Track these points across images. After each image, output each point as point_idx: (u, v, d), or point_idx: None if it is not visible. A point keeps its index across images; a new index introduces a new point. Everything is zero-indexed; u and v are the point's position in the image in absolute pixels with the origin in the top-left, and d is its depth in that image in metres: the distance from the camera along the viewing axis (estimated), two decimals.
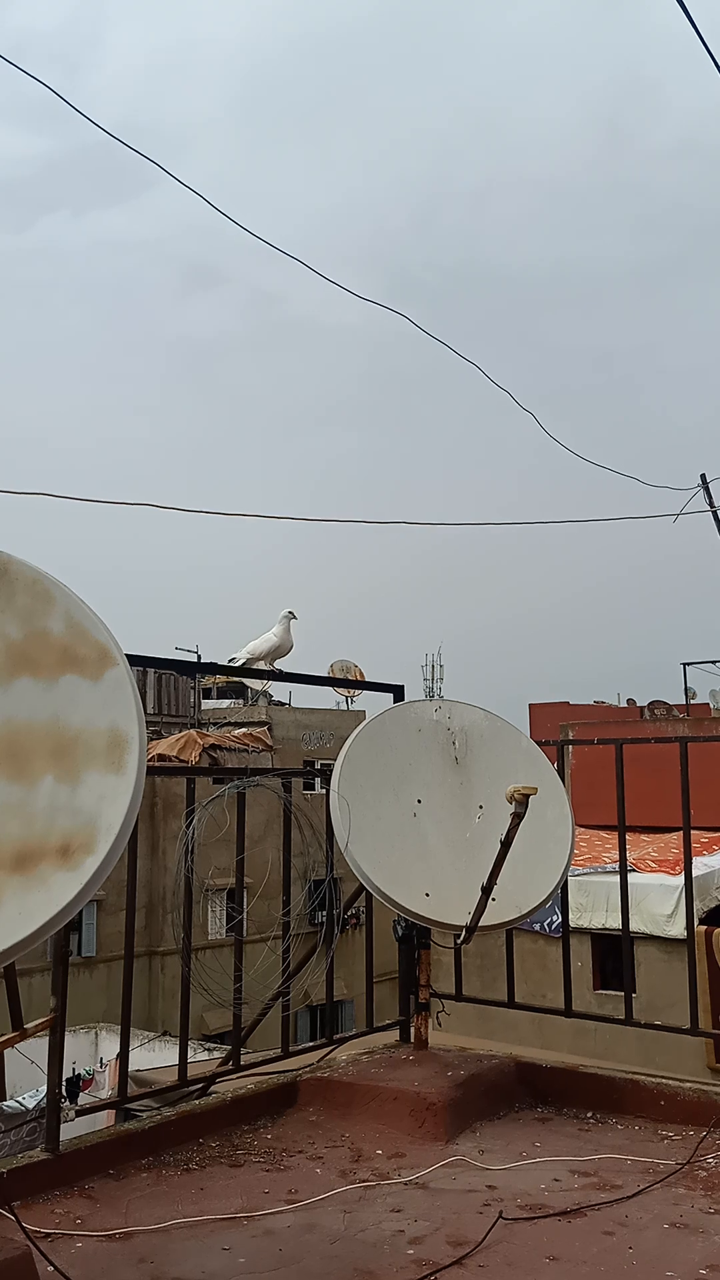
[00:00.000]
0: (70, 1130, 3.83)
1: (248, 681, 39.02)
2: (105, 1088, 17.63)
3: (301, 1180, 3.74)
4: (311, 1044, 4.97)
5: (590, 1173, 3.80)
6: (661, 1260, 3.11)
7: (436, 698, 5.21)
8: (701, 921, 11.46)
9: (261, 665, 7.73)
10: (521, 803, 4.03)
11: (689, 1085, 4.52)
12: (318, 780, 5.10)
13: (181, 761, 29.48)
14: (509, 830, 4.11)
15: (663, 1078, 4.65)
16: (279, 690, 39.12)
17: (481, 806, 4.75)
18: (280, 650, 7.84)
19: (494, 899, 4.33)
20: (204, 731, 33.98)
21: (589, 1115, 4.45)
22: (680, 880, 11.10)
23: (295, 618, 7.96)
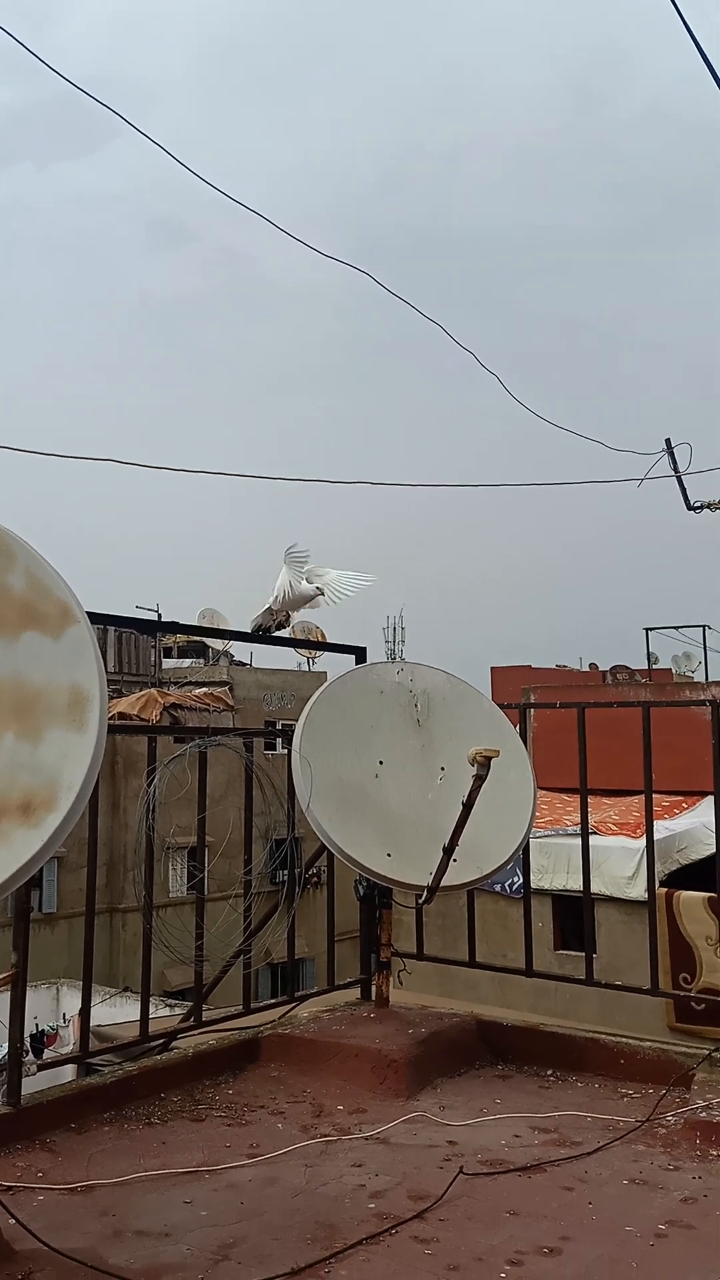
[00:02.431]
0: (32, 1085, 3.83)
1: (209, 641, 38.85)
2: (69, 1043, 17.69)
3: (263, 1135, 3.75)
4: (273, 1001, 4.99)
5: (550, 1129, 3.84)
6: (621, 1215, 3.15)
7: (398, 660, 5.20)
8: (662, 884, 11.61)
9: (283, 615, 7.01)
10: (484, 765, 4.04)
11: (648, 1044, 4.57)
12: (279, 741, 5.10)
13: (142, 720, 29.38)
14: (471, 792, 4.12)
15: (622, 1037, 4.70)
16: (240, 651, 39.03)
17: (443, 768, 4.75)
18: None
19: (455, 860, 4.34)
20: (165, 690, 33.87)
21: (549, 1073, 4.49)
22: (641, 843, 11.21)
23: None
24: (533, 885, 5.33)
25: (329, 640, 6.76)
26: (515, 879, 7.58)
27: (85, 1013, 4.27)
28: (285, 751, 4.64)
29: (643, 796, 5.04)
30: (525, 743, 5.15)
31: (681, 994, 10.73)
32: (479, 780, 4.08)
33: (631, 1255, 2.92)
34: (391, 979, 4.90)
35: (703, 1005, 9.67)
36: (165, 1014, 13.95)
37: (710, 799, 5.20)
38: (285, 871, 4.78)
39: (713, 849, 8.02)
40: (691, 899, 11.69)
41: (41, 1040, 19.26)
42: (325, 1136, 3.74)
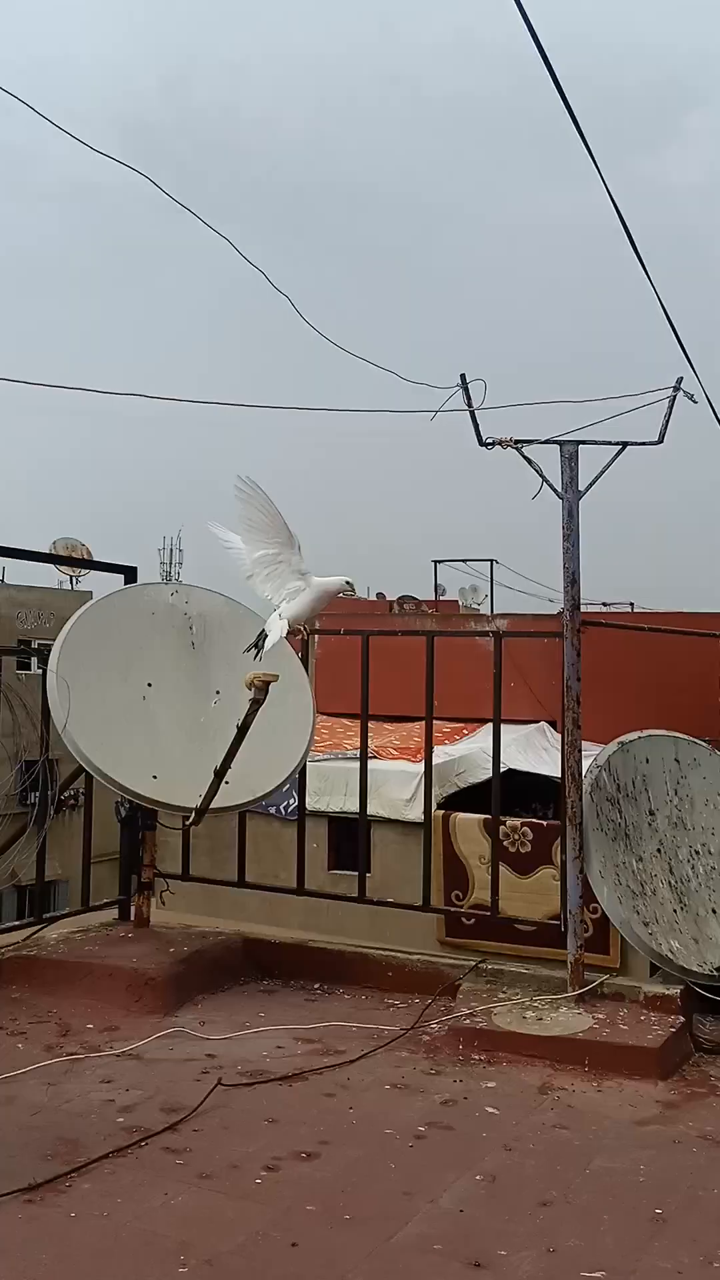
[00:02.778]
0: None
1: None
2: None
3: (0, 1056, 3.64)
4: (17, 923, 4.87)
5: (314, 1040, 3.86)
6: (381, 1119, 3.20)
7: (174, 582, 5.05)
8: (440, 806, 11.84)
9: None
10: (261, 689, 4.00)
11: (417, 957, 4.66)
12: (34, 660, 4.92)
13: None
14: (246, 716, 4.08)
15: (391, 950, 4.76)
16: None
17: (219, 692, 4.71)
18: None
19: (228, 782, 4.30)
20: None
21: (316, 987, 4.53)
22: (420, 767, 11.42)
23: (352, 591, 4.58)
24: (309, 807, 5.34)
25: (95, 559, 6.50)
26: (290, 801, 7.59)
27: None
28: (41, 671, 4.48)
29: (423, 723, 5.09)
30: (307, 668, 5.13)
31: (453, 910, 10.98)
32: (256, 704, 4.04)
33: (390, 1156, 2.96)
34: (154, 900, 4.86)
35: (473, 920, 9.93)
36: None
37: (490, 725, 5.29)
38: (37, 793, 4.65)
39: (490, 773, 8.22)
40: (467, 820, 11.97)
41: None
42: (71, 1055, 3.67)
